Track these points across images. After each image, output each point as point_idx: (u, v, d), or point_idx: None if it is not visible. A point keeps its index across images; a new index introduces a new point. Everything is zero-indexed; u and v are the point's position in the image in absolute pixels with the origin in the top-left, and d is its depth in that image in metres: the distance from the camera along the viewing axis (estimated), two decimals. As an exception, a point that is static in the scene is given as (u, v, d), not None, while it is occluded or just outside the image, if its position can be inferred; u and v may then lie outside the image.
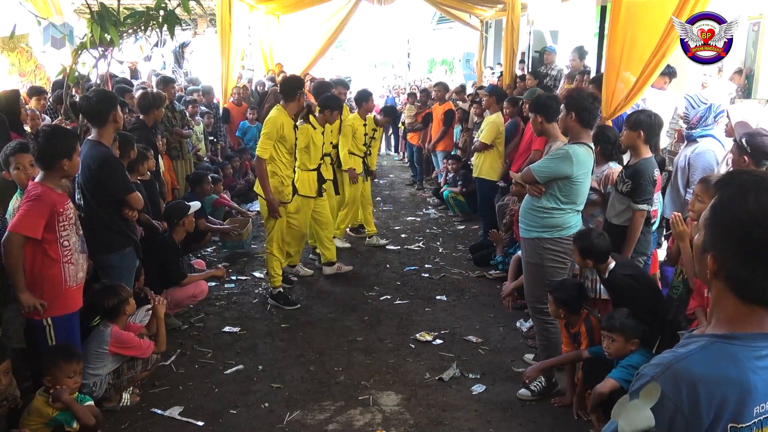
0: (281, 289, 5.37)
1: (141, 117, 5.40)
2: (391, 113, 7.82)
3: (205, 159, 8.20)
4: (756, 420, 1.15)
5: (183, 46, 12.58)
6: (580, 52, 8.52)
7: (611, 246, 3.55)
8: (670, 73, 5.87)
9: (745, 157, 3.54)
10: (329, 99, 5.79)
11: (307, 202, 5.63)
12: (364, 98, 6.90)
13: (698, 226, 1.31)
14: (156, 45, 12.22)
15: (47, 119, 5.82)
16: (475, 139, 7.08)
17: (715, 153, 4.28)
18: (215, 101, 9.55)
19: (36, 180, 3.27)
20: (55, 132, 3.34)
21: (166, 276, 4.69)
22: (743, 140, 3.55)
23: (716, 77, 6.77)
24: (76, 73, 4.27)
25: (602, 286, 3.74)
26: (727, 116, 4.23)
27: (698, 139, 4.40)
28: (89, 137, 3.82)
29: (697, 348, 1.19)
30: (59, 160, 3.23)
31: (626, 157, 4.34)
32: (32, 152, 3.30)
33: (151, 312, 4.06)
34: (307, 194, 5.60)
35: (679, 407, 1.13)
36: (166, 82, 7.04)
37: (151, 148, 5.08)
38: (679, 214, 3.30)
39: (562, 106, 3.69)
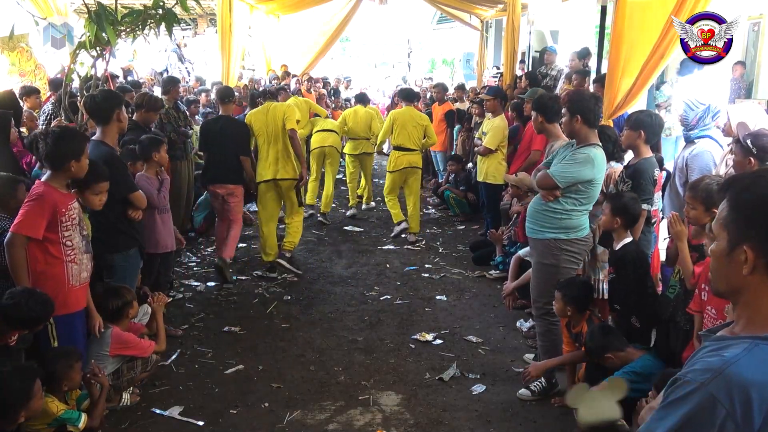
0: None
1: (134, 117, 5.39)
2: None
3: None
4: None
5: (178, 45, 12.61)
6: (580, 54, 8.53)
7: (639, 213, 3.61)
8: None
9: (751, 158, 3.51)
10: None
11: None
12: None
13: (714, 232, 1.28)
14: (165, 50, 12.33)
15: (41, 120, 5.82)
16: (476, 140, 7.07)
17: (712, 154, 4.28)
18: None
19: (42, 179, 3.26)
20: (64, 133, 3.31)
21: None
22: (748, 141, 3.52)
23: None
24: (75, 74, 4.27)
25: (604, 286, 3.74)
26: (727, 116, 4.22)
27: (696, 141, 4.40)
28: (93, 137, 3.83)
29: (743, 351, 1.16)
30: (67, 161, 3.20)
31: (628, 157, 4.35)
32: (40, 153, 3.28)
33: (150, 311, 4.07)
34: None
35: (731, 413, 1.11)
36: (172, 83, 7.03)
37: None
38: (677, 213, 3.30)
39: (564, 109, 3.67)
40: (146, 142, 4.53)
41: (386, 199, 7.50)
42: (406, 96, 7.50)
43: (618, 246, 3.56)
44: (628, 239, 3.54)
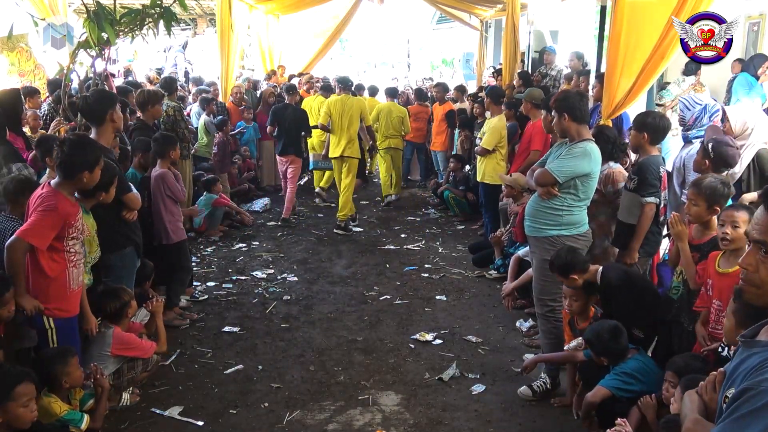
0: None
1: (141, 117, 5.41)
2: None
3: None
4: None
5: (185, 46, 12.61)
6: (579, 54, 8.55)
7: (583, 258, 3.58)
8: None
9: (707, 161, 3.67)
10: None
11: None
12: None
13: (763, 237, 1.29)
14: (166, 50, 12.35)
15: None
16: (477, 140, 7.06)
17: None
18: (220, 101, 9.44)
19: (52, 185, 3.18)
20: (81, 142, 3.25)
21: None
22: (709, 145, 3.65)
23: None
24: (72, 73, 4.27)
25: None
26: (725, 116, 4.23)
27: (693, 140, 4.42)
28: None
29: None
30: (80, 171, 3.15)
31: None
32: (54, 157, 3.23)
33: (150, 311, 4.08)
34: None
35: None
36: (175, 82, 7.08)
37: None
38: (678, 214, 3.30)
39: (553, 111, 3.71)
40: (162, 141, 4.66)
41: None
42: (344, 84, 8.47)
43: (598, 277, 3.52)
44: (600, 270, 3.52)
